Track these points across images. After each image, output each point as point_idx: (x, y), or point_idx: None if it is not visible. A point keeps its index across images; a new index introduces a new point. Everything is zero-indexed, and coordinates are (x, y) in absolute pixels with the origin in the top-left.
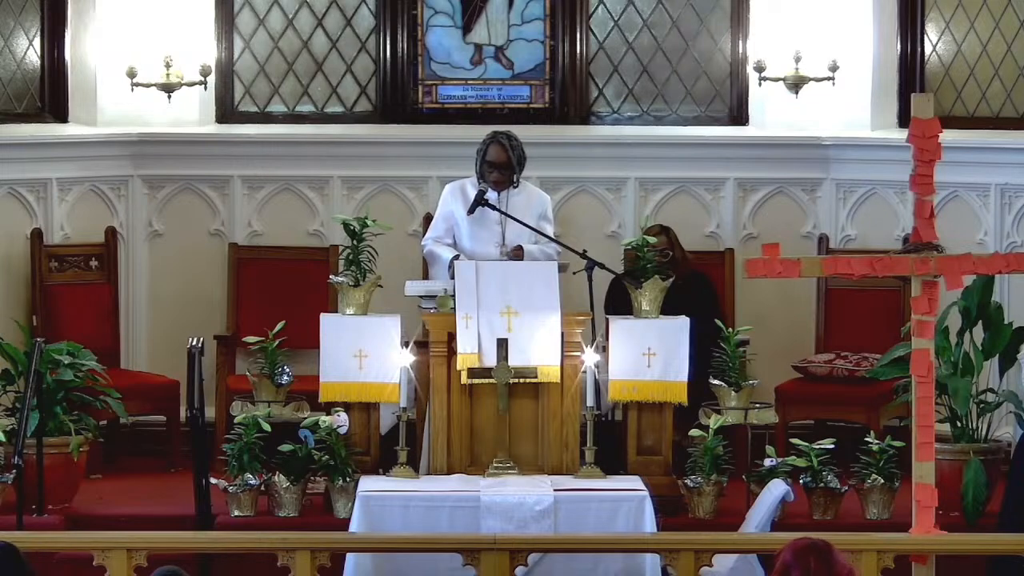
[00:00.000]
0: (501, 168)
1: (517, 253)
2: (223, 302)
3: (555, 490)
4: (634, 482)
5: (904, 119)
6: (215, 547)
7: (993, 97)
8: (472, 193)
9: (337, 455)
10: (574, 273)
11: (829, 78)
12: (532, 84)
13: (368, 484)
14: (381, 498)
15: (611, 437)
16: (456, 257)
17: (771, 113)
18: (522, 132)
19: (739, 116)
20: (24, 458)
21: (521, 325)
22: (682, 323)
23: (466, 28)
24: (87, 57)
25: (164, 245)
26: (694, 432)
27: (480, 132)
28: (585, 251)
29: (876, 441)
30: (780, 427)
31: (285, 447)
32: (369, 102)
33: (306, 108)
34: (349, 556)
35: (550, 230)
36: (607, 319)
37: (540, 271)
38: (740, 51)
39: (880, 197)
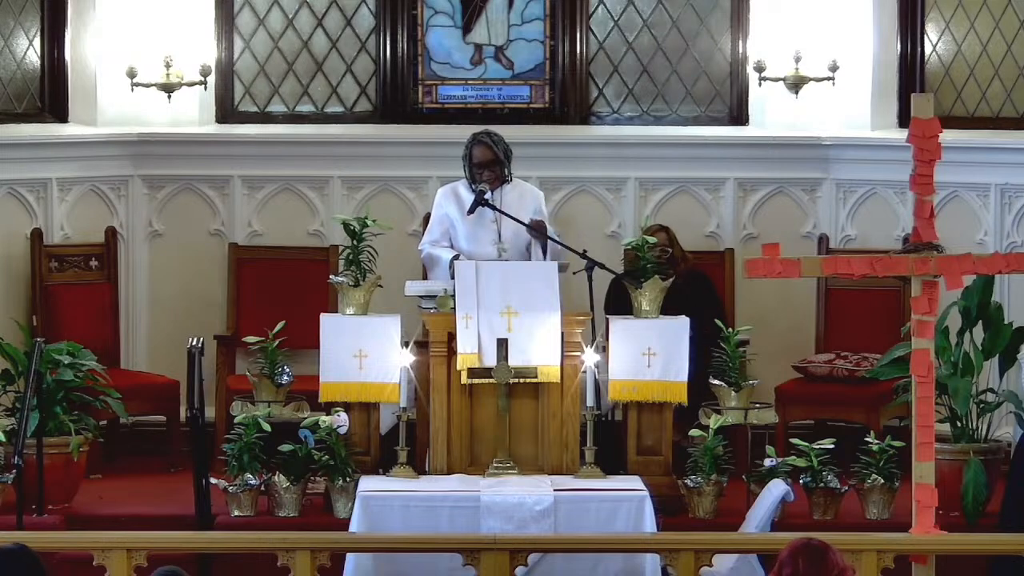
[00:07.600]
0: (490, 166)
1: (540, 225)
2: (223, 302)
3: (555, 490)
4: (634, 482)
5: (904, 119)
6: (215, 547)
7: (993, 97)
8: (465, 194)
9: (337, 455)
10: (574, 273)
11: (829, 78)
12: (532, 84)
13: (368, 484)
14: (381, 498)
15: (611, 437)
16: (456, 257)
17: (771, 113)
18: (522, 132)
19: (739, 116)
20: (24, 458)
21: (521, 325)
22: (682, 323)
23: (466, 28)
24: (87, 57)
25: (164, 245)
26: (694, 432)
27: None
28: (585, 251)
29: (876, 441)
30: (780, 427)
31: (285, 447)
32: (369, 102)
33: (306, 108)
34: (349, 556)
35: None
36: (607, 319)
37: (540, 271)
38: (740, 51)
39: (880, 197)
